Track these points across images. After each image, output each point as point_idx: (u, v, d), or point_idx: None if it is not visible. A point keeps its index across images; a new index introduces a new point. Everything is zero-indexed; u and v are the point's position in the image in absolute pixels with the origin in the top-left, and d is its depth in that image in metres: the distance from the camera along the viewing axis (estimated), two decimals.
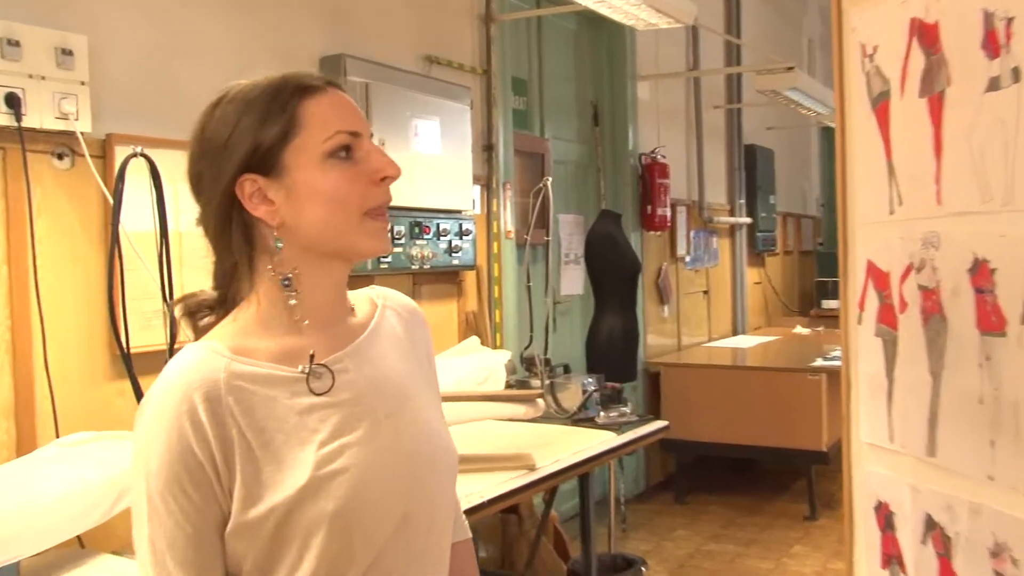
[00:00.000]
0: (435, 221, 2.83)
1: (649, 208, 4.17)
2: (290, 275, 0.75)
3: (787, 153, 6.11)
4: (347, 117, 0.76)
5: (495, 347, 3.02)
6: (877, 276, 1.21)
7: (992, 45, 1.09)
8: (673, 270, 4.55)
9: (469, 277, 3.07)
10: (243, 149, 0.73)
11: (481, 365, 2.44)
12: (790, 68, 4.04)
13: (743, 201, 5.33)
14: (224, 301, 0.78)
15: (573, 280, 3.87)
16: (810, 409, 3.82)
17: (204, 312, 0.79)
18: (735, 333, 5.28)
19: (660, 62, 4.45)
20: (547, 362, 2.76)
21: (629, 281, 3.49)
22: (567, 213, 3.87)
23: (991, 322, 1.04)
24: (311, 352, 0.75)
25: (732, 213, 5.27)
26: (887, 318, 1.20)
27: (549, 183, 2.86)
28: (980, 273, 1.09)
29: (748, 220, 5.34)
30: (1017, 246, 1.08)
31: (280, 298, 0.76)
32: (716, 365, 4.21)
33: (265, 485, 0.68)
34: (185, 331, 0.79)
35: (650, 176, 4.18)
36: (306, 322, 0.76)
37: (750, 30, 5.34)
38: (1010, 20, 1.05)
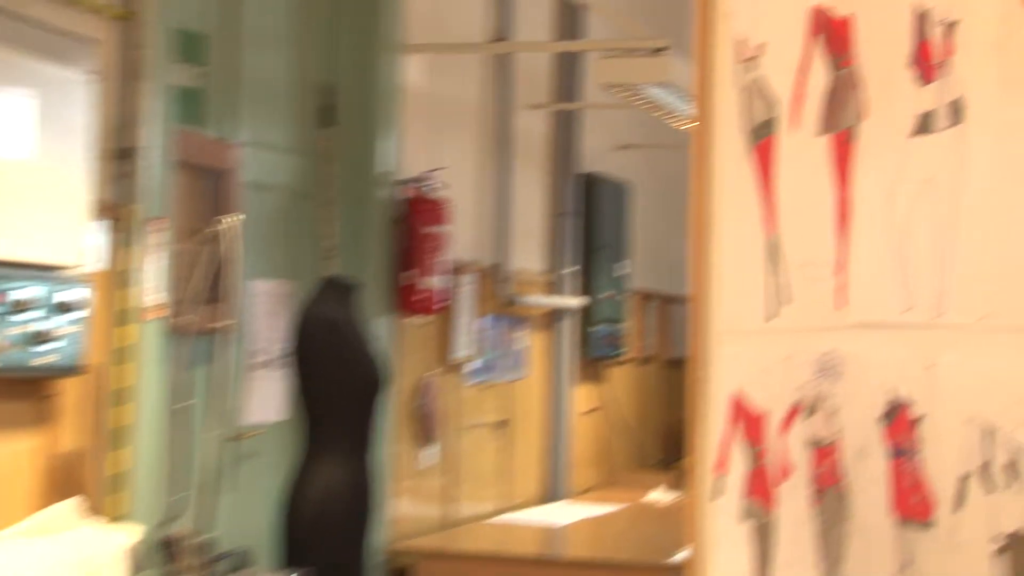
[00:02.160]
0: (2, 285, 2.67)
1: (409, 275, 4.24)
2: None
3: (653, 190, 6.56)
4: None
5: (112, 520, 2.85)
6: (747, 420, 1.30)
7: (924, 62, 1.24)
8: (446, 385, 4.63)
9: (70, 389, 2.90)
10: None
11: (80, 555, 2.38)
12: (659, 50, 4.34)
13: (573, 269, 5.61)
14: None
15: (268, 398, 3.80)
16: None
17: None
18: (549, 499, 5.42)
19: (444, 26, 4.63)
20: (206, 548, 2.65)
21: (364, 403, 3.49)
22: (265, 278, 3.82)
23: (911, 504, 1.14)
24: None
25: (554, 289, 5.51)
26: (759, 489, 1.28)
27: (236, 223, 2.82)
28: (898, 423, 1.20)
29: (580, 302, 5.62)
30: (955, 382, 1.20)
31: None
32: (513, 556, 4.28)
33: None
34: None
35: (414, 220, 4.26)
36: None
37: None
38: (952, 25, 1.21)
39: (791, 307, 1.31)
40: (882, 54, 1.26)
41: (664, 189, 6.70)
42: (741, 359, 1.33)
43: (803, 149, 1.32)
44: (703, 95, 1.42)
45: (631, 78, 4.36)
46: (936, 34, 1.22)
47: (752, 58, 1.38)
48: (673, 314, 6.83)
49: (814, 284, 1.28)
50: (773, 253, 1.33)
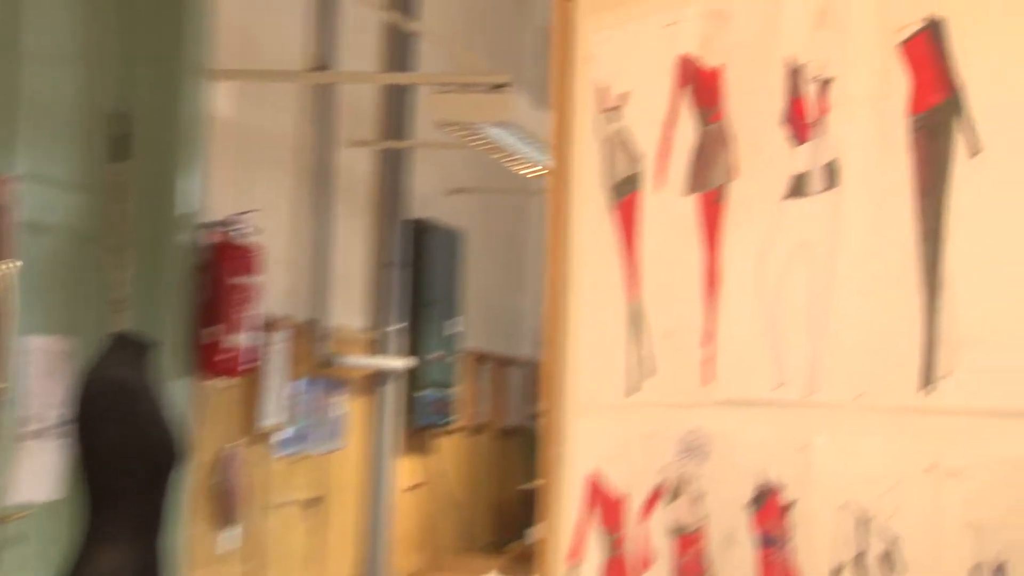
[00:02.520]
0: None
1: (212, 332, 4.18)
2: None
3: (489, 239, 6.62)
4: None
5: None
6: (605, 503, 1.31)
7: (798, 120, 1.30)
8: (251, 457, 4.56)
9: None
10: None
11: None
12: (499, 86, 4.40)
13: (400, 327, 5.61)
14: None
15: (40, 473, 3.67)
16: None
17: None
18: None
19: (258, 51, 4.60)
20: None
21: (156, 478, 3.40)
22: (43, 334, 3.70)
23: None
24: None
25: (377, 349, 5.49)
26: None
27: (10, 270, 2.72)
28: (768, 509, 1.23)
29: (406, 363, 5.61)
30: (829, 465, 1.25)
31: None
32: None
33: None
34: None
35: (220, 269, 4.20)
36: None
37: (437, 7, 5.81)
38: (827, 82, 1.27)
39: (654, 380, 1.34)
40: (754, 110, 1.31)
41: (502, 239, 6.77)
42: (599, 436, 1.36)
43: (669, 208, 1.36)
44: (560, 145, 1.45)
45: (468, 116, 4.41)
46: (810, 91, 1.28)
47: (615, 107, 1.42)
48: (509, 378, 6.88)
49: (679, 355, 1.32)
50: (635, 320, 1.36)
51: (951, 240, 1.17)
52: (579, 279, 1.40)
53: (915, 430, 1.16)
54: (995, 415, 1.12)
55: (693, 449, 1.28)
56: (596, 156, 1.42)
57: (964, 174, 1.17)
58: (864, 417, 1.19)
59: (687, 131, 1.36)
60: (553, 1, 1.51)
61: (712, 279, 1.31)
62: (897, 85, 1.23)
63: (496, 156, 4.88)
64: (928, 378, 1.16)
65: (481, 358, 6.60)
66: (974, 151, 1.16)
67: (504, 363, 6.85)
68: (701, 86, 1.36)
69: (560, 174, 1.41)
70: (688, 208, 1.35)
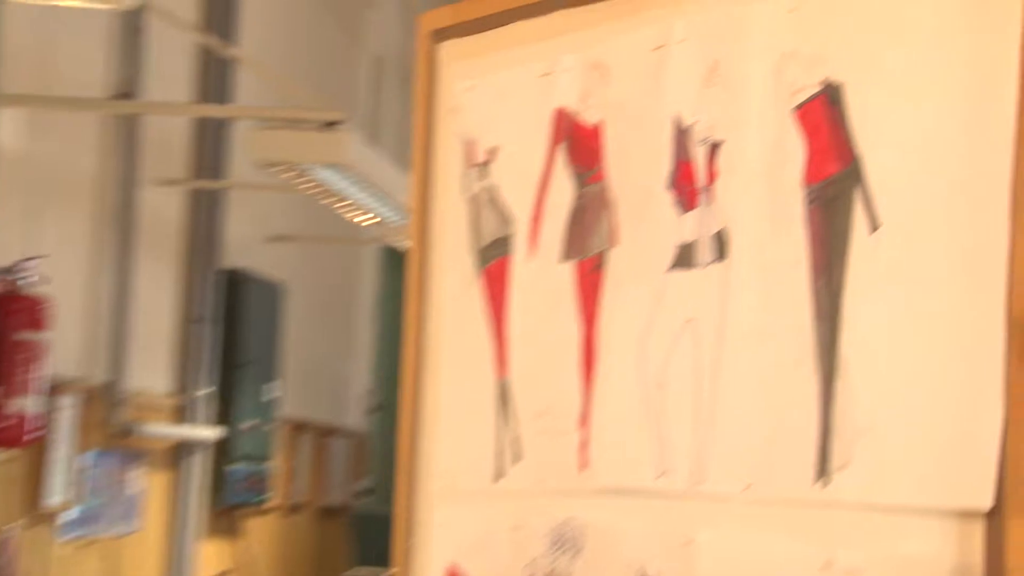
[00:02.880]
0: None
1: None
2: None
3: (315, 293, 6.57)
4: None
5: None
6: None
7: (685, 185, 1.34)
8: (32, 541, 4.45)
9: None
10: None
11: None
12: (331, 124, 4.38)
13: (209, 391, 5.53)
14: None
15: None
16: None
17: None
18: None
19: (52, 74, 4.51)
20: None
21: None
22: None
23: None
24: None
25: (182, 416, 5.41)
26: None
27: None
28: None
29: (216, 433, 5.53)
30: (714, 562, 1.27)
31: None
32: None
33: None
34: None
35: (2, 323, 4.10)
36: None
37: (256, 30, 5.78)
38: (716, 145, 1.31)
39: (523, 465, 1.35)
40: (637, 172, 1.35)
41: (328, 293, 6.74)
42: (459, 526, 1.37)
43: (542, 276, 1.38)
44: (421, 204, 1.46)
45: (294, 156, 4.39)
46: (699, 154, 1.32)
47: (483, 163, 1.44)
48: (333, 450, 6.84)
49: (552, 439, 1.34)
50: (503, 399, 1.37)
51: (848, 322, 1.22)
52: (441, 351, 1.42)
53: (810, 525, 1.20)
54: (894, 511, 1.16)
55: (565, 542, 1.30)
56: (462, 216, 1.45)
57: (862, 251, 1.22)
58: (754, 511, 1.22)
59: (563, 192, 1.39)
60: (416, 43, 1.53)
61: (589, 355, 1.33)
62: (792, 152, 1.27)
63: (327, 201, 4.87)
64: (823, 469, 1.20)
65: (301, 427, 6.55)
66: (873, 226, 1.21)
67: (327, 433, 6.81)
68: (579, 143, 1.39)
69: (421, 234, 1.43)
70: (563, 276, 1.38)
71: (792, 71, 1.29)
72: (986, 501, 1.09)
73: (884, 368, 1.19)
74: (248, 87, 5.62)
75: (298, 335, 6.32)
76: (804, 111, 1.28)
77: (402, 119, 7.10)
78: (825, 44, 1.27)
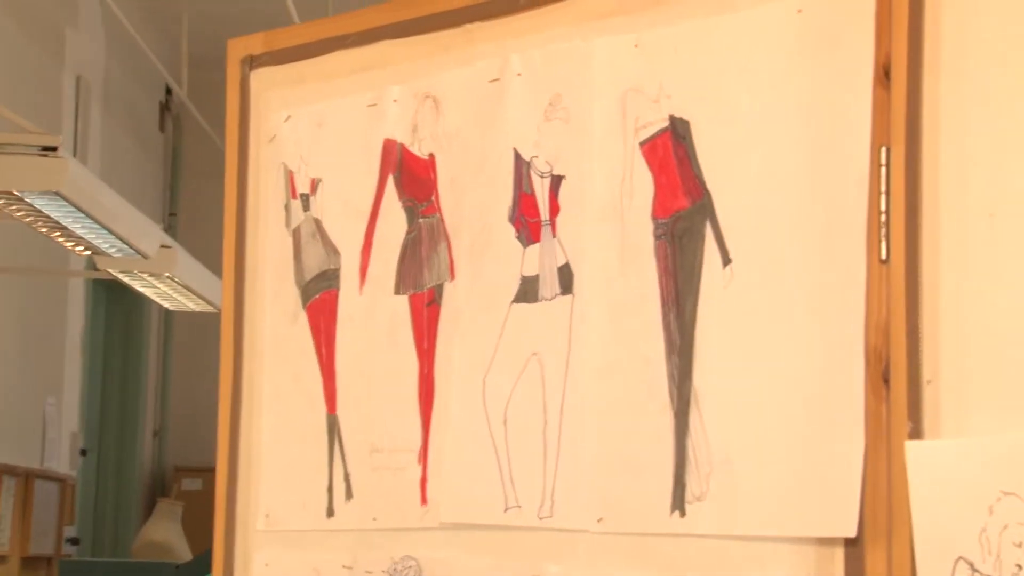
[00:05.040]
0: None
1: None
2: None
3: (15, 329, 6.21)
4: None
5: None
6: None
7: (526, 218, 1.32)
8: None
9: None
10: None
11: None
12: (49, 149, 4.14)
13: None
14: None
15: None
16: None
17: None
18: None
19: None
20: None
21: None
22: None
23: None
24: None
25: None
26: None
27: None
28: None
29: None
30: None
31: None
32: None
33: None
34: None
35: None
36: None
37: None
38: (558, 179, 1.31)
39: (355, 503, 1.32)
40: (476, 204, 1.33)
41: (31, 327, 6.44)
42: (285, 566, 1.31)
43: (374, 310, 1.35)
44: (238, 237, 1.41)
45: (9, 183, 4.19)
46: (541, 188, 1.31)
47: (305, 195, 1.40)
48: (41, 495, 6.51)
49: (388, 475, 1.30)
50: (333, 435, 1.33)
51: (700, 355, 1.23)
52: (264, 386, 1.37)
53: (665, 557, 1.19)
54: (752, 540, 1.17)
55: None
56: (286, 248, 1.40)
57: (714, 284, 1.23)
58: (608, 543, 1.21)
59: (395, 224, 1.37)
60: (227, 70, 1.48)
61: (427, 390, 1.31)
62: (640, 187, 1.28)
63: (44, 231, 4.63)
64: (679, 501, 1.20)
65: (3, 471, 6.20)
66: (725, 260, 1.23)
67: (34, 476, 6.47)
68: (410, 175, 1.36)
69: (237, 267, 1.38)
70: (397, 310, 1.35)
71: (637, 106, 1.30)
72: (850, 529, 1.11)
73: (739, 400, 1.20)
74: None
75: (3, 374, 5.99)
76: (650, 146, 1.28)
77: (106, 142, 6.92)
78: (671, 81, 1.29)
